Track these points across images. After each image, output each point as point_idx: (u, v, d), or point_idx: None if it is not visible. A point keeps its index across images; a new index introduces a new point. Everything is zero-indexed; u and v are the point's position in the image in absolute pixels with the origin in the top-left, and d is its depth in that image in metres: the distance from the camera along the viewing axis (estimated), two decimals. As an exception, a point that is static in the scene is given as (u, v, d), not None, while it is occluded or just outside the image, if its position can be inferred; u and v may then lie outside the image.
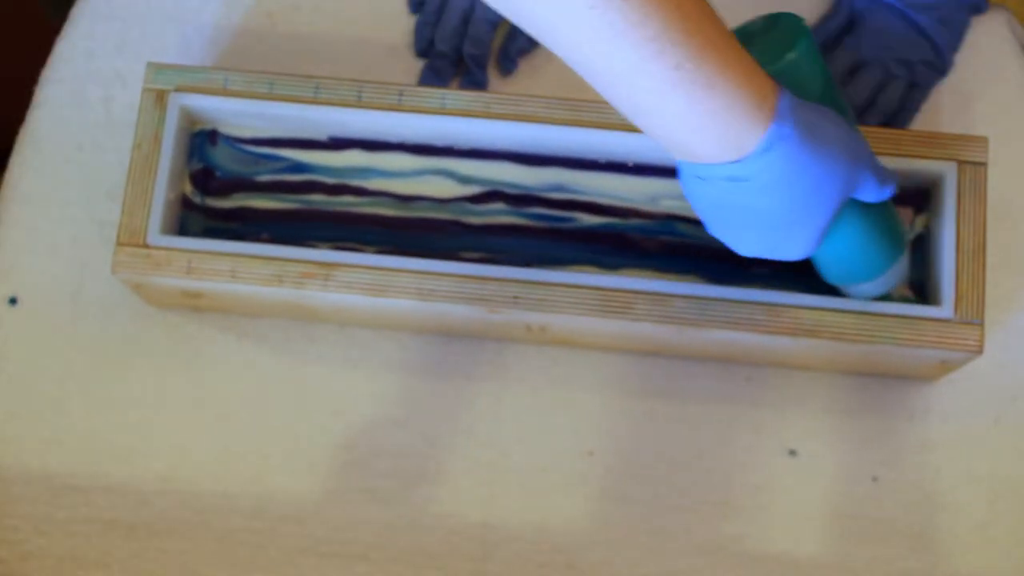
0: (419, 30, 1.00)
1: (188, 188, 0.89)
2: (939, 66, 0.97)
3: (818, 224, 0.70)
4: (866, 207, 0.76)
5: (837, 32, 0.99)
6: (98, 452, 0.92)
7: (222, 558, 0.90)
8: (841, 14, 0.99)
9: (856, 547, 0.90)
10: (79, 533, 0.90)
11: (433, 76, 0.98)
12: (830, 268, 0.80)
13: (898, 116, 0.96)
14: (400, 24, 1.01)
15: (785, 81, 0.68)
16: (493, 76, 0.99)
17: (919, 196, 0.88)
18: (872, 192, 0.73)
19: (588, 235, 0.89)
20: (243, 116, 0.89)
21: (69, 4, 1.02)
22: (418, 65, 1.00)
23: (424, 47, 1.00)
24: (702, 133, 0.64)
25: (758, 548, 0.90)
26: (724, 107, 0.63)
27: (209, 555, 0.90)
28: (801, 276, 0.85)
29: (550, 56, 1.00)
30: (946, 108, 0.98)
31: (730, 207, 0.69)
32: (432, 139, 0.89)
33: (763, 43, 0.73)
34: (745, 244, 0.72)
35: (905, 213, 0.89)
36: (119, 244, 0.86)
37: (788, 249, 0.72)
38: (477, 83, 0.98)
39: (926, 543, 0.90)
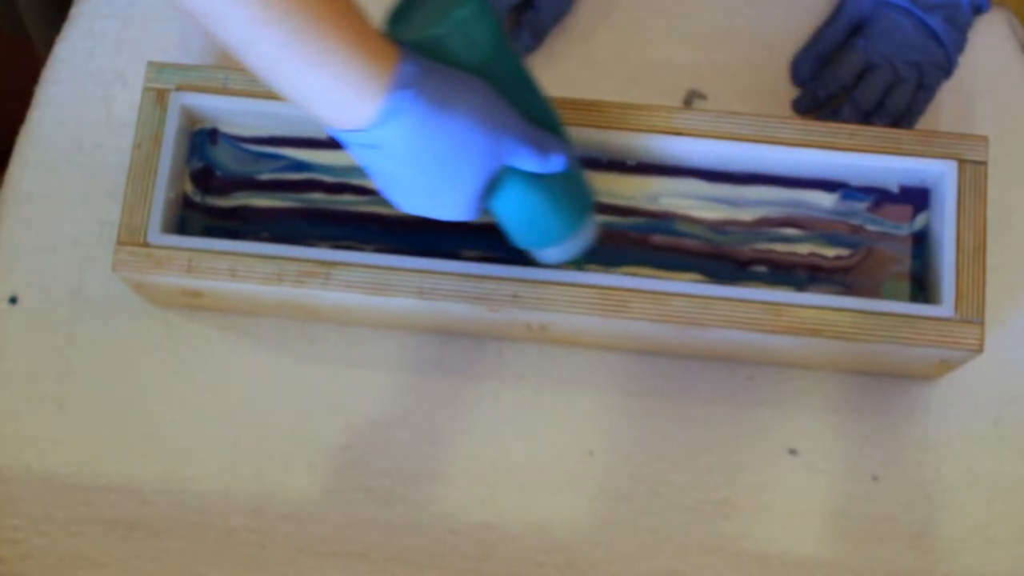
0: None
1: (188, 187, 0.89)
2: (946, 67, 0.97)
3: (464, 190, 0.72)
4: (539, 176, 0.76)
5: (843, 33, 0.99)
6: (98, 452, 0.92)
7: (222, 558, 0.90)
8: (845, 16, 0.99)
9: (856, 546, 0.90)
10: (79, 533, 0.90)
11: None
12: (510, 233, 0.81)
13: (905, 117, 0.96)
14: (400, 24, 1.01)
15: (448, 42, 0.70)
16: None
17: (920, 195, 0.88)
18: (532, 162, 0.74)
19: (588, 234, 0.89)
20: (243, 115, 0.89)
21: (21, 20, 1.02)
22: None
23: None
24: (321, 104, 0.67)
25: (758, 547, 0.90)
26: (336, 80, 0.66)
27: (209, 555, 0.90)
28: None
29: (550, 56, 1.01)
30: (947, 107, 0.98)
31: (377, 170, 0.72)
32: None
33: (433, 3, 0.73)
34: (403, 204, 0.74)
35: (905, 211, 0.89)
36: (119, 243, 0.86)
37: (442, 211, 0.74)
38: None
39: (926, 543, 0.90)
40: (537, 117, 0.76)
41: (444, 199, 0.73)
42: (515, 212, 0.78)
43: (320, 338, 0.94)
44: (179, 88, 0.88)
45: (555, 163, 0.75)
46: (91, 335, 0.94)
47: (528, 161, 0.74)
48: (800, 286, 0.88)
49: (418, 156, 0.70)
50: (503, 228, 0.80)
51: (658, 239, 0.89)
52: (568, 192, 0.79)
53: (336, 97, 0.67)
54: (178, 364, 0.94)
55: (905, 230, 0.89)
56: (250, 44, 0.64)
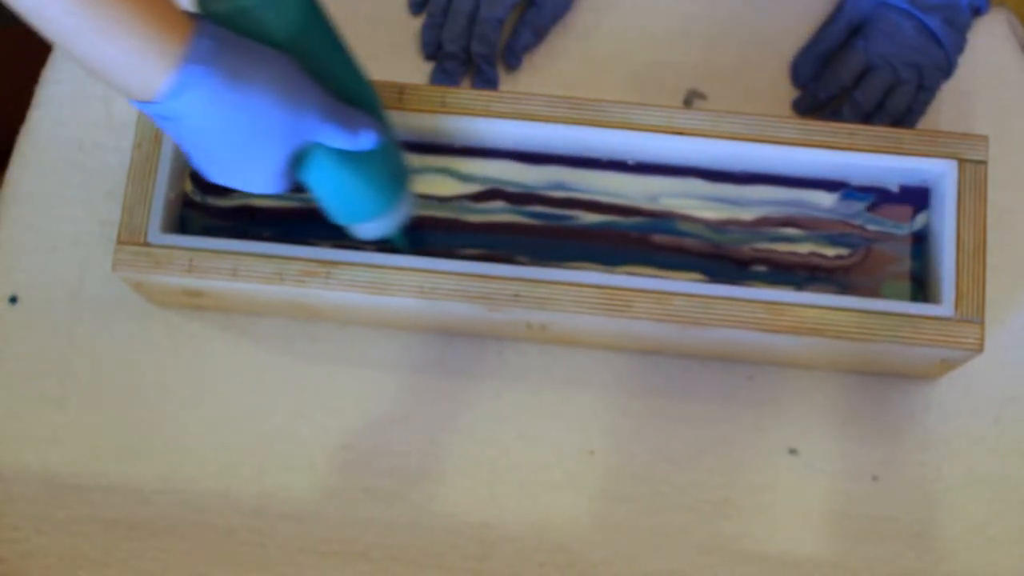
0: (426, 32, 1.00)
1: (189, 186, 0.89)
2: (946, 68, 0.97)
3: (265, 165, 0.72)
4: (349, 152, 0.76)
5: (843, 35, 0.99)
6: (98, 452, 0.92)
7: (222, 558, 0.90)
8: (844, 17, 0.99)
9: (856, 546, 0.90)
10: (79, 532, 0.90)
11: (444, 77, 0.98)
12: (325, 208, 0.81)
13: (905, 118, 0.97)
14: (400, 24, 1.01)
15: (254, 14, 0.69)
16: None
17: (920, 194, 0.89)
18: (339, 139, 0.74)
19: (589, 233, 0.89)
20: (244, 115, 0.89)
21: None
22: (419, 64, 1.00)
23: (432, 50, 1.00)
24: (112, 75, 0.67)
25: (758, 547, 0.90)
26: (125, 53, 0.65)
27: (209, 555, 0.90)
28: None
29: (552, 55, 1.01)
30: (946, 107, 0.99)
31: (178, 140, 0.71)
32: (433, 138, 0.89)
33: None
34: (207, 174, 0.74)
35: (905, 211, 0.89)
36: (120, 243, 0.86)
37: (246, 183, 0.74)
38: (488, 81, 0.98)
39: (926, 542, 0.90)
40: (351, 95, 0.75)
41: (246, 172, 0.73)
42: (325, 187, 0.78)
43: (321, 338, 0.94)
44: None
45: (364, 141, 0.75)
46: (91, 335, 0.94)
47: (334, 138, 0.74)
48: (800, 286, 0.88)
49: (213, 130, 0.70)
50: (317, 202, 0.81)
51: (659, 239, 0.89)
52: (380, 169, 0.79)
53: (126, 69, 0.66)
54: (178, 364, 0.94)
55: (905, 230, 0.89)
56: (38, 12, 0.64)
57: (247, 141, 0.71)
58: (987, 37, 1.01)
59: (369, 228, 0.82)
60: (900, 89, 0.97)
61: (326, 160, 0.76)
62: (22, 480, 0.91)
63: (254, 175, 0.73)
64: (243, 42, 0.70)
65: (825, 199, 0.89)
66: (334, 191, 0.79)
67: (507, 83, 1.00)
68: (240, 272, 0.85)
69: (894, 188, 0.89)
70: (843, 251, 0.89)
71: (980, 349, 0.83)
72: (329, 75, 0.74)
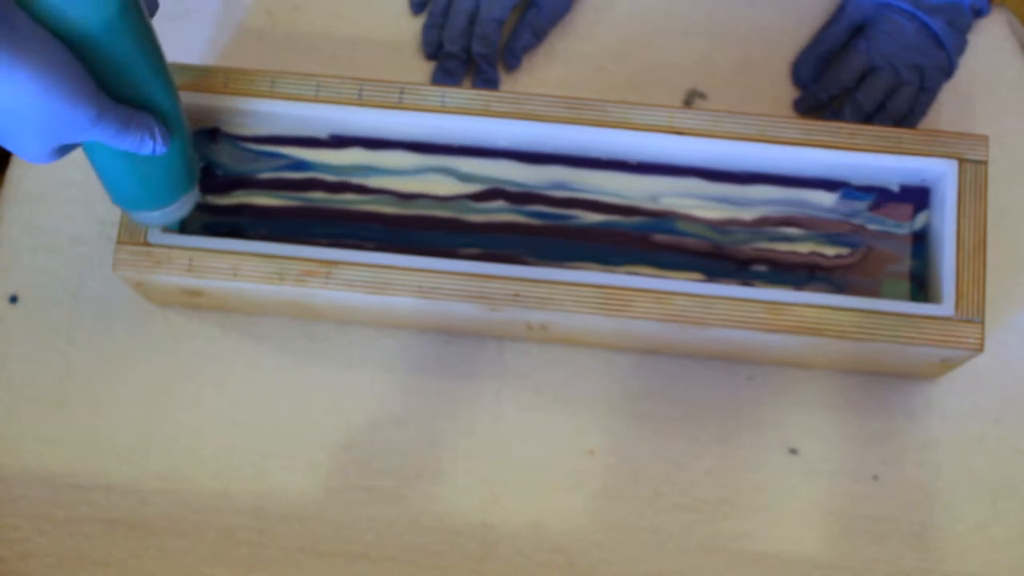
0: (426, 33, 1.00)
1: (189, 186, 0.90)
2: (947, 69, 0.97)
3: (34, 147, 0.71)
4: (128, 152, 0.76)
5: (845, 35, 0.99)
6: (98, 452, 0.92)
7: (222, 557, 0.90)
8: (846, 17, 0.99)
9: (856, 546, 0.90)
10: (79, 532, 0.90)
11: (445, 77, 0.98)
12: (108, 191, 0.80)
13: (907, 119, 0.97)
14: (400, 24, 1.02)
15: (53, 5, 0.68)
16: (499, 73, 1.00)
17: (920, 194, 0.89)
18: (117, 143, 0.73)
19: (589, 233, 0.89)
20: (244, 114, 0.89)
21: None
22: (420, 64, 1.00)
23: (433, 50, 1.00)
24: None
25: (759, 547, 0.90)
26: None
27: (209, 554, 0.90)
28: None
29: (552, 54, 1.01)
30: (946, 107, 0.99)
31: None
32: (433, 137, 0.89)
33: None
34: None
35: (905, 210, 0.89)
36: (120, 242, 0.86)
37: (19, 152, 0.73)
38: (489, 81, 0.98)
39: (926, 542, 0.90)
40: (145, 98, 0.74)
41: (16, 146, 0.72)
42: (101, 171, 0.78)
43: (321, 337, 0.94)
44: (180, 87, 0.87)
45: (144, 148, 0.74)
46: (91, 335, 0.94)
47: (108, 140, 0.73)
48: (801, 285, 0.88)
49: None
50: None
51: (659, 238, 0.89)
52: (160, 170, 0.79)
53: None
54: (178, 364, 0.94)
55: (906, 229, 0.89)
56: None
57: (13, 124, 0.69)
58: (987, 37, 1.01)
59: (143, 216, 0.82)
60: (901, 90, 0.97)
61: (104, 152, 0.75)
62: (22, 480, 0.91)
63: (24, 151, 0.72)
64: (27, 30, 0.68)
65: (825, 199, 0.89)
66: (110, 178, 0.78)
67: (507, 83, 1.00)
68: (240, 272, 0.85)
69: (894, 188, 0.89)
70: (843, 251, 0.89)
71: (980, 349, 0.83)
72: (125, 77, 0.72)
